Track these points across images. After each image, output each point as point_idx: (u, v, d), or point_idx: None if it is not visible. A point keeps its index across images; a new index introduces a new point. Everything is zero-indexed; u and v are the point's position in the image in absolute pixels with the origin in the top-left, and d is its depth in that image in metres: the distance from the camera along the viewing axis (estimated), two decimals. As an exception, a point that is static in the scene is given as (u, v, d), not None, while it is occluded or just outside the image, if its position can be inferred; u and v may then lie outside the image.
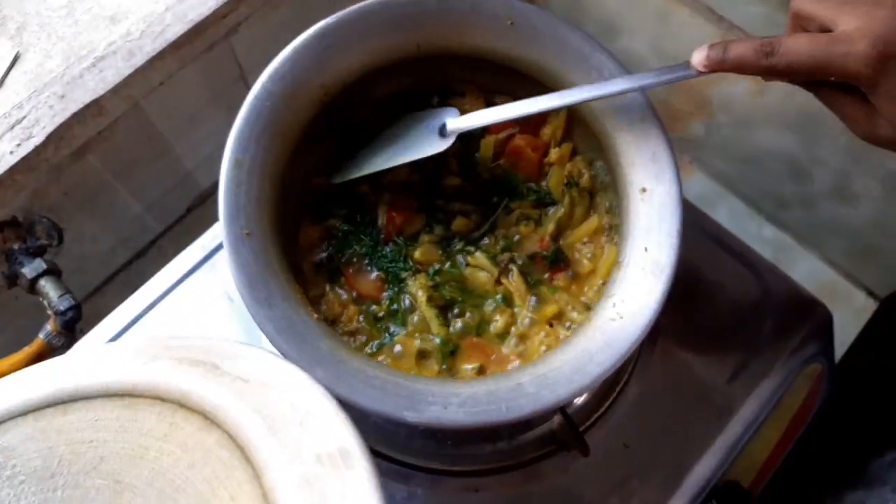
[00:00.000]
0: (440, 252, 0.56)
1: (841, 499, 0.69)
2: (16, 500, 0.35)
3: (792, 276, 0.67)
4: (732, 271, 0.67)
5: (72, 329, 0.68)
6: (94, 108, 0.69)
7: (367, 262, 0.56)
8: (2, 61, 0.71)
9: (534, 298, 0.54)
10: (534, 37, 0.54)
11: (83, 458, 0.36)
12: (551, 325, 0.53)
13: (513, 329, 0.54)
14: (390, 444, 0.58)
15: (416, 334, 0.53)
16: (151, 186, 0.85)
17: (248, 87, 0.51)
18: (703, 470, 0.59)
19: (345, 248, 0.56)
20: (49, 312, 0.68)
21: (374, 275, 0.55)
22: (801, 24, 0.43)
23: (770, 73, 0.42)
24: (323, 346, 0.46)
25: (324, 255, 0.56)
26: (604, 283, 0.53)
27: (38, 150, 0.67)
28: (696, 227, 0.67)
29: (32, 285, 0.68)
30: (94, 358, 0.41)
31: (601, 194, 0.58)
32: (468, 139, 0.59)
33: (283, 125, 0.52)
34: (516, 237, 0.57)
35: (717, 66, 0.44)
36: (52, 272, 0.69)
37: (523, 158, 0.59)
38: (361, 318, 0.54)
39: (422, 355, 0.52)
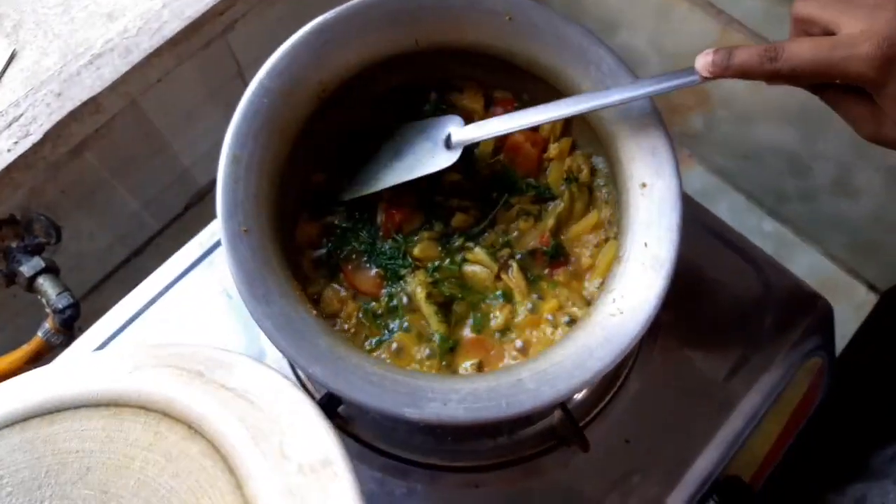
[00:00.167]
0: (439, 248, 0.56)
1: (842, 492, 0.69)
2: (4, 512, 0.35)
3: (792, 271, 0.67)
4: (733, 266, 0.67)
5: (70, 327, 0.67)
6: (91, 106, 0.69)
7: (365, 258, 0.56)
8: (-2, 59, 0.71)
9: (534, 294, 0.54)
10: (532, 32, 0.54)
11: (70, 468, 0.36)
12: (551, 321, 0.53)
13: (513, 325, 0.53)
14: (390, 440, 0.58)
15: (416, 331, 0.53)
16: (149, 184, 0.85)
17: (246, 84, 0.51)
18: (703, 465, 0.59)
19: (343, 245, 0.56)
20: (47, 310, 0.67)
21: (373, 271, 0.55)
22: (804, 28, 0.43)
23: (775, 78, 0.42)
24: (322, 342, 0.46)
25: (322, 251, 0.56)
26: (604, 279, 0.53)
27: (35, 148, 0.67)
28: (696, 222, 0.66)
29: (31, 283, 0.68)
30: (79, 367, 0.42)
31: (601, 189, 0.57)
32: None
33: (280, 122, 0.52)
34: (516, 233, 0.57)
35: (722, 73, 0.43)
36: (51, 270, 0.69)
37: (522, 154, 0.59)
38: (360, 315, 0.54)
39: (421, 352, 0.52)
